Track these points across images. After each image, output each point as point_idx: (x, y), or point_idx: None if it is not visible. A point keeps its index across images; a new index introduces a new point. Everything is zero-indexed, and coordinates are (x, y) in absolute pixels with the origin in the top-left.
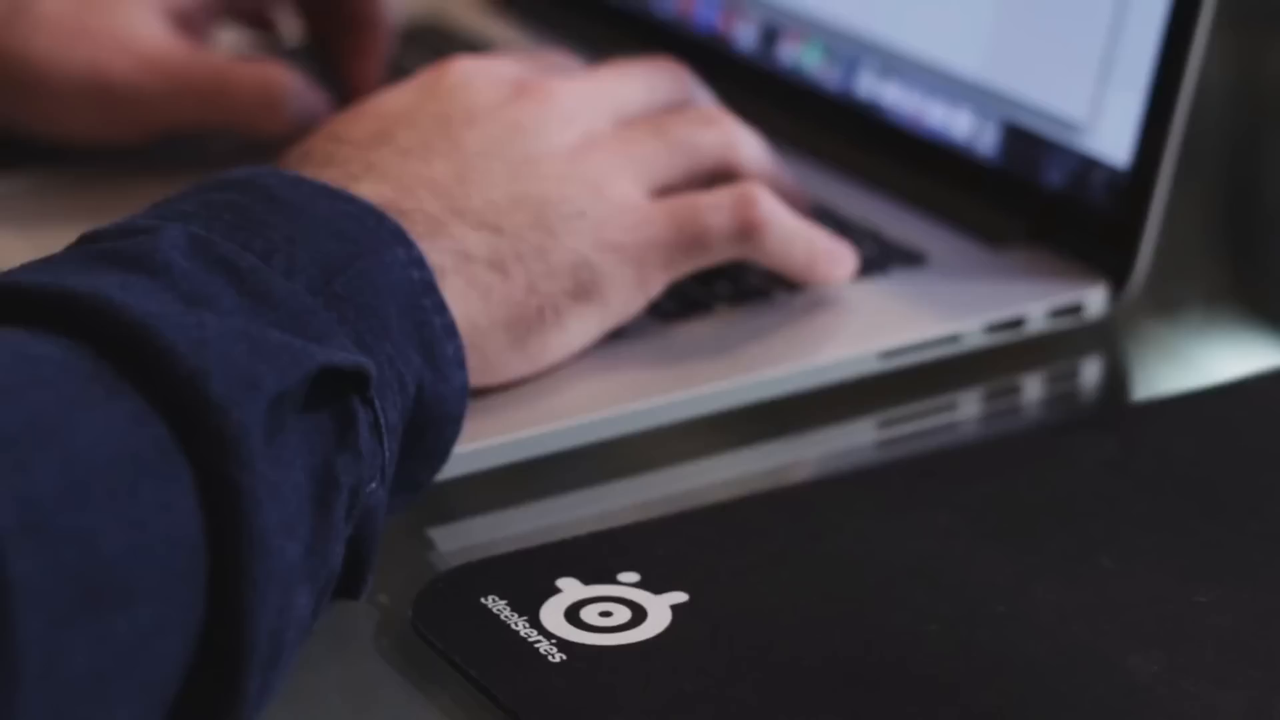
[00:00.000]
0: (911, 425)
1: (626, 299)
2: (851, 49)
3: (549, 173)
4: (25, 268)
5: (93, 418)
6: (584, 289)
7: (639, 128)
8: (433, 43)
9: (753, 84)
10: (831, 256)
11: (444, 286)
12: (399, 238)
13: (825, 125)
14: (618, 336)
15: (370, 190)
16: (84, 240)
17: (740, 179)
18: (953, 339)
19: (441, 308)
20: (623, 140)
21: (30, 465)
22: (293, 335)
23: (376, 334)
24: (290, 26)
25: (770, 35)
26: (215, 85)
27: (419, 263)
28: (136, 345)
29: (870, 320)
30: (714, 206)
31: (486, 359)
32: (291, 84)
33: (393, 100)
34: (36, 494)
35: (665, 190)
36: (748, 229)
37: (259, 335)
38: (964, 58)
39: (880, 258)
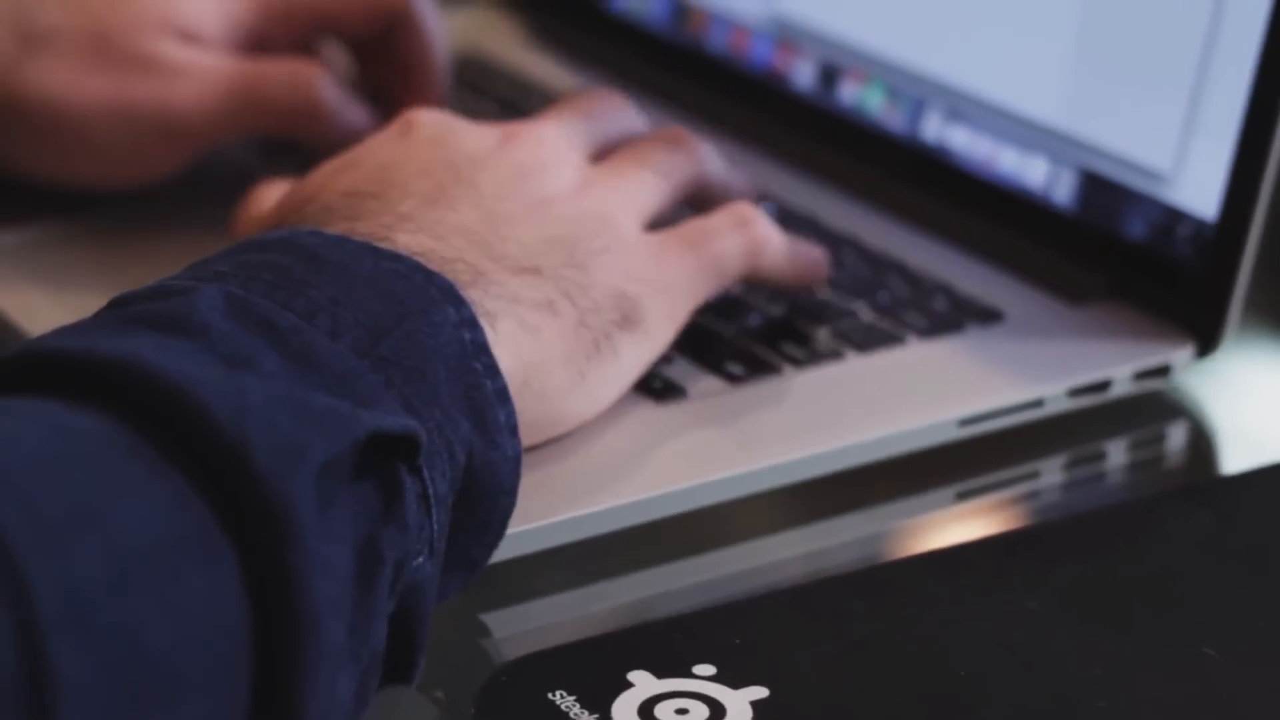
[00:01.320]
0: (992, 496)
1: (663, 329)
2: (917, 90)
3: (564, 213)
4: (57, 333)
5: (134, 499)
6: (628, 318)
7: (623, 161)
8: (473, 77)
9: (810, 125)
10: (814, 260)
11: (496, 332)
12: (449, 295)
13: (889, 170)
14: (683, 400)
15: (409, 242)
16: (116, 304)
17: (714, 195)
18: (1035, 404)
19: (494, 370)
20: (614, 175)
21: (73, 552)
22: (339, 395)
23: (425, 399)
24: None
25: (829, 74)
26: (246, 85)
27: (470, 323)
28: (176, 413)
29: (947, 384)
30: (721, 230)
31: (547, 398)
32: (324, 75)
33: (384, 150)
34: (80, 583)
35: (658, 218)
36: (755, 248)
37: (303, 399)
38: (1039, 101)
39: (954, 315)
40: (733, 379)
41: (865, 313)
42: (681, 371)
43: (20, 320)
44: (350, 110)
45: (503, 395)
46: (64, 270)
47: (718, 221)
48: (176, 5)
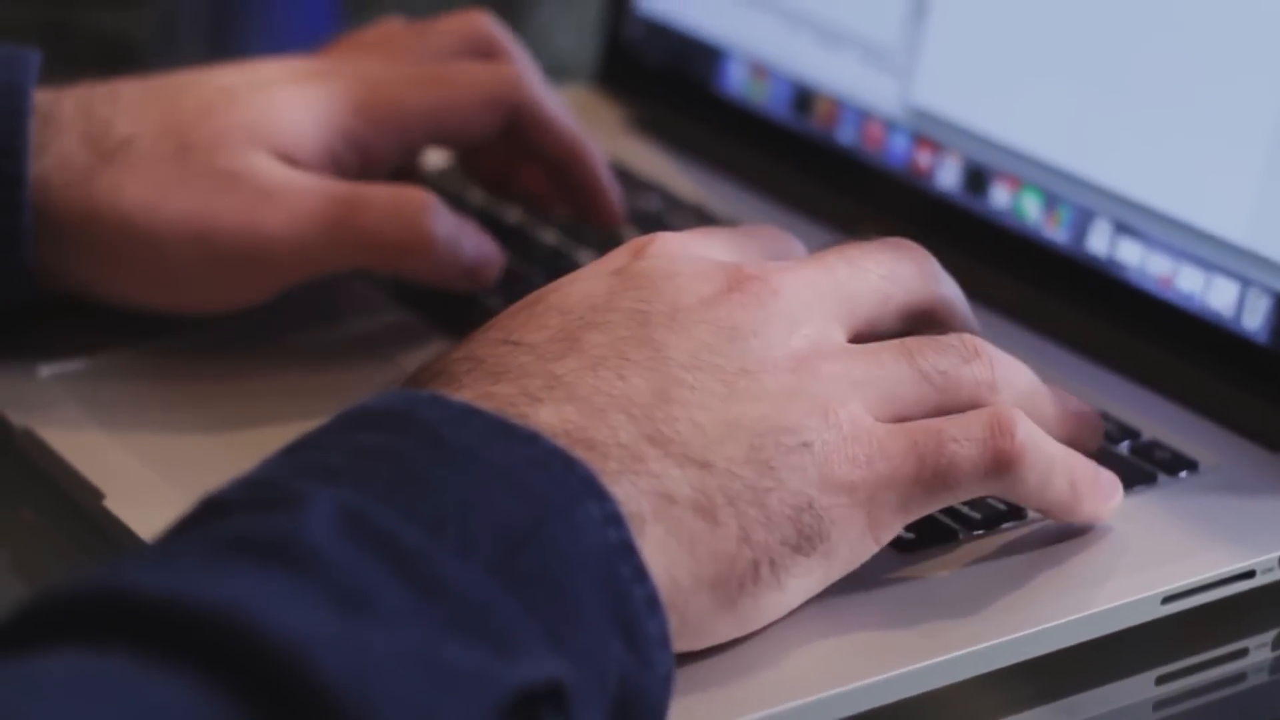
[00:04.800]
0: (1196, 678)
1: (855, 549)
2: (1080, 197)
3: (770, 389)
4: (139, 559)
5: None
6: (807, 539)
7: (885, 346)
8: None
9: (955, 232)
10: (1097, 489)
11: (641, 537)
12: (591, 488)
13: (1047, 286)
14: (846, 578)
15: (552, 417)
16: (208, 510)
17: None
18: (1246, 575)
19: (642, 574)
20: (862, 354)
21: None
22: (473, 638)
23: (570, 621)
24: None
25: (977, 175)
26: (344, 213)
27: (615, 519)
28: (285, 679)
29: (1145, 552)
30: (963, 435)
31: (687, 622)
32: (435, 203)
33: (578, 290)
34: None
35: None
36: (1003, 463)
37: (434, 655)
38: (1224, 216)
39: (1143, 464)
40: (903, 548)
41: None
42: None
43: (69, 457)
44: (468, 241)
45: (653, 603)
46: (123, 403)
47: (963, 424)
48: (270, 116)
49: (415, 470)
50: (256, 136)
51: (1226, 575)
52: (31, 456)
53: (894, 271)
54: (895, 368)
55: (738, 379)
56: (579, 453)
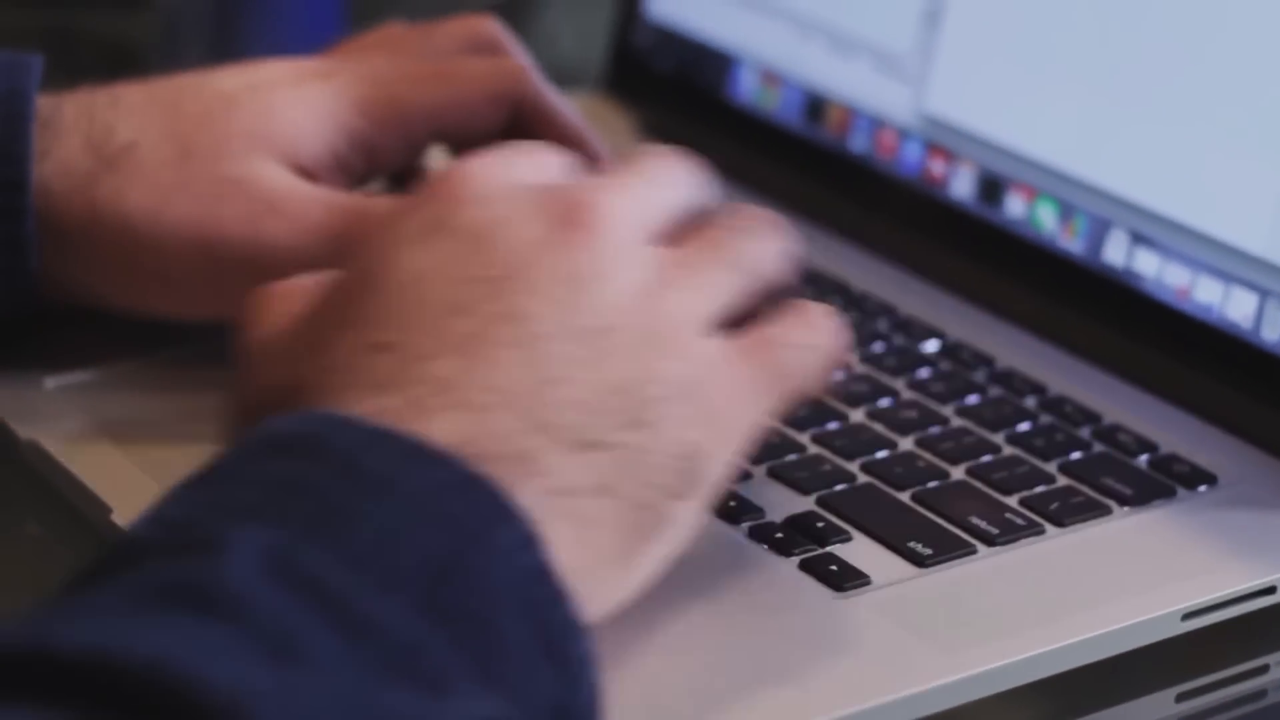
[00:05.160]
0: (1217, 695)
1: (726, 472)
2: (1097, 207)
3: (629, 342)
4: (60, 610)
5: None
6: (690, 482)
7: (697, 250)
8: None
9: (968, 241)
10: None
11: (550, 539)
12: (503, 512)
13: (1063, 297)
14: (866, 589)
15: (446, 428)
16: (126, 553)
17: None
18: (1267, 591)
19: (561, 596)
20: (687, 270)
21: None
22: (407, 681)
23: (498, 654)
24: None
25: (991, 185)
26: (350, 224)
27: (529, 542)
28: None
29: (1164, 568)
30: (798, 342)
31: (592, 601)
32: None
33: (411, 263)
34: None
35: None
36: (832, 364)
37: (371, 702)
38: (1243, 226)
39: (1162, 477)
40: (920, 561)
41: (1058, 476)
42: (861, 551)
43: (77, 470)
44: None
45: (575, 623)
46: (130, 415)
47: (794, 330)
48: (272, 120)
49: (333, 503)
50: (259, 141)
51: (1247, 591)
52: (37, 469)
53: (678, 177)
54: (718, 274)
55: (598, 340)
56: (481, 467)
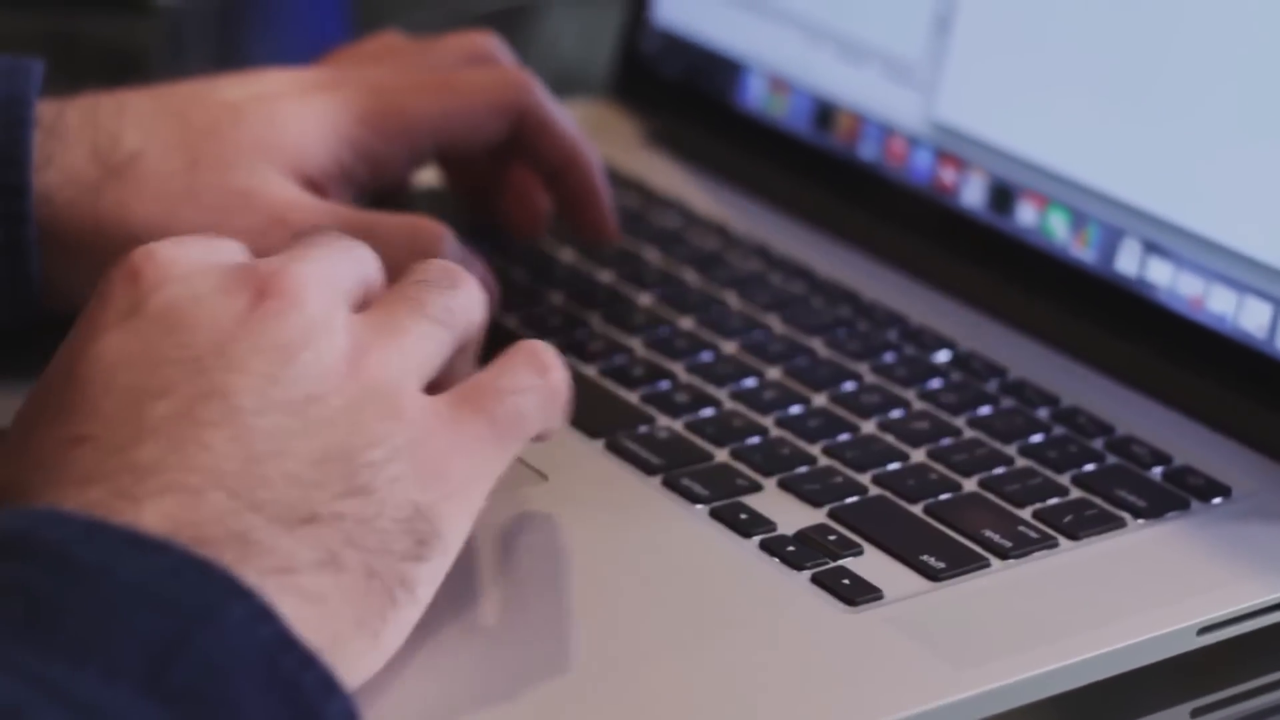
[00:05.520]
0: (1232, 709)
1: (460, 533)
2: (1109, 216)
3: (339, 408)
4: None
5: None
6: (424, 543)
7: (394, 309)
8: None
9: (979, 250)
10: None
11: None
12: (231, 589)
13: (1075, 307)
14: (879, 603)
15: (156, 515)
16: None
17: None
18: None
19: (309, 661)
20: (388, 330)
21: None
22: None
23: None
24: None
25: (1002, 193)
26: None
27: (263, 615)
28: None
29: (1179, 582)
30: (518, 385)
31: (345, 670)
32: (447, 232)
33: (104, 354)
34: None
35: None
36: (561, 393)
37: None
38: (1257, 236)
39: (1175, 489)
40: (933, 575)
41: (1072, 488)
42: (873, 565)
43: None
44: (474, 271)
45: (329, 685)
46: None
47: (513, 373)
48: (278, 131)
49: (46, 599)
50: (266, 152)
51: (1263, 605)
52: None
53: (355, 251)
54: (421, 330)
55: (307, 408)
56: (200, 550)
